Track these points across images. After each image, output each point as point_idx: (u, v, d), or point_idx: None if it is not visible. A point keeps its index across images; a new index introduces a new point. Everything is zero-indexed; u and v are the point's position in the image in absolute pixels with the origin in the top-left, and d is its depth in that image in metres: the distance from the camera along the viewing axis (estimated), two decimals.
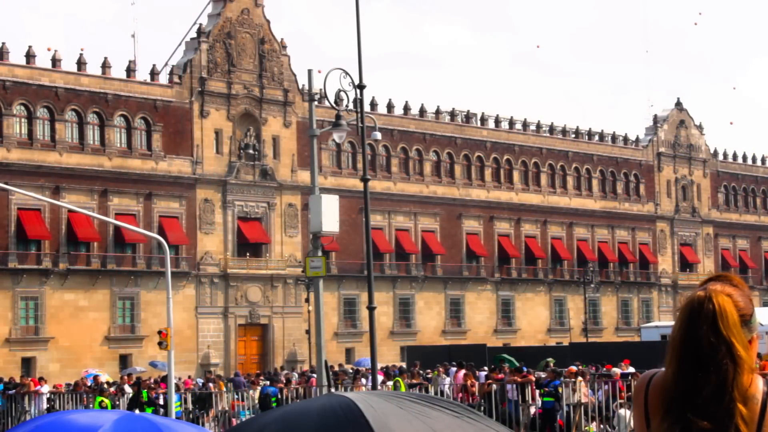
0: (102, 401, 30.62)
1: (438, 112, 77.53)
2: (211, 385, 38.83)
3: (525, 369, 28.85)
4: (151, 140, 62.78)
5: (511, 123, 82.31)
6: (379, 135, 25.89)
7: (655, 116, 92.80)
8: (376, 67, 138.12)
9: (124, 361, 59.50)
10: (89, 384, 38.50)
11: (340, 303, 69.54)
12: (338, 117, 23.52)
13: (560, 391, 25.49)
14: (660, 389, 3.09)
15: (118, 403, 32.27)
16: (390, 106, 74.52)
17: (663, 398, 3.05)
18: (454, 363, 38.62)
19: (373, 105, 71.98)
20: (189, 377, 49.33)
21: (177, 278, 59.17)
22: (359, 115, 23.17)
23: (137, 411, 24.82)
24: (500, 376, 28.42)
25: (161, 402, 31.92)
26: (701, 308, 3.06)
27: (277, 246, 66.78)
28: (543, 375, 27.51)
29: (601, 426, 25.62)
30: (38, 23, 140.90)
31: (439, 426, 3.52)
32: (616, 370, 29.40)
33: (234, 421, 31.49)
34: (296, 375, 42.73)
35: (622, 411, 24.29)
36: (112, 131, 61.47)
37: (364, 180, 23.36)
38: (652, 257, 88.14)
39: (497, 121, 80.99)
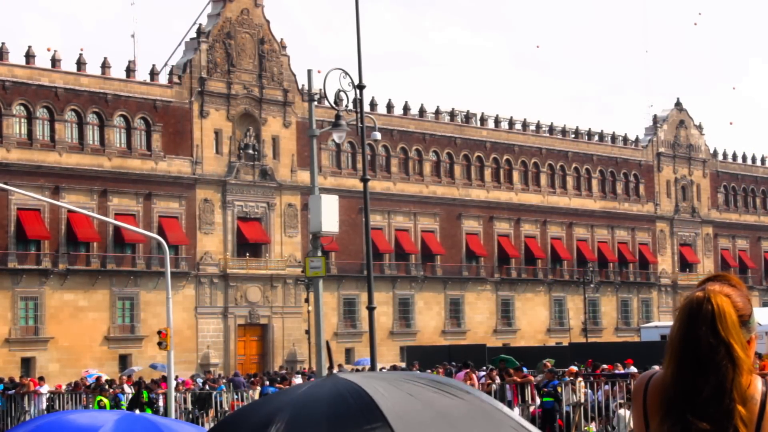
0: (100, 400, 30.65)
1: (438, 112, 77.52)
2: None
3: (525, 370, 28.82)
4: (150, 140, 62.78)
5: (511, 123, 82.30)
6: (378, 135, 25.90)
7: (655, 116, 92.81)
8: (375, 67, 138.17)
9: (124, 361, 59.49)
10: (89, 384, 38.49)
11: (340, 303, 69.53)
12: (338, 117, 23.53)
13: (559, 391, 25.50)
14: (659, 390, 3.09)
15: (116, 403, 32.24)
16: (390, 106, 74.51)
17: (662, 399, 3.05)
18: (454, 363, 38.64)
19: (373, 105, 71.98)
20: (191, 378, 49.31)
21: (177, 278, 59.16)
22: (359, 115, 23.18)
23: (137, 411, 24.83)
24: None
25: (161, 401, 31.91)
26: (700, 309, 3.06)
27: (277, 246, 66.78)
28: (539, 377, 27.42)
29: (601, 426, 25.63)
30: (38, 23, 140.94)
31: (453, 418, 3.45)
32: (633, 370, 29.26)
33: None
34: (299, 377, 42.70)
35: (621, 411, 24.29)
36: (112, 131, 61.47)
37: (364, 180, 23.37)
38: (651, 257, 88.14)
39: (497, 121, 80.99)
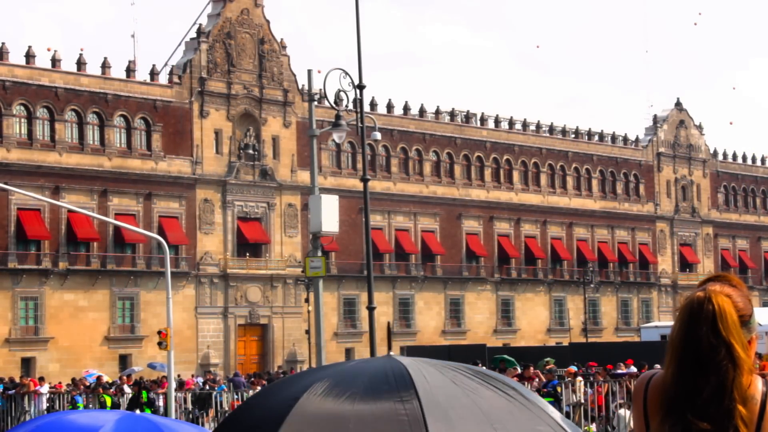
0: (101, 397, 30.66)
1: (438, 112, 77.52)
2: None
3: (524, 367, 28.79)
4: (150, 140, 62.79)
5: (511, 123, 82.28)
6: (378, 135, 25.90)
7: (655, 116, 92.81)
8: (375, 67, 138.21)
9: (124, 361, 59.48)
10: (88, 384, 38.51)
11: (340, 303, 69.53)
12: (338, 117, 23.54)
13: (559, 390, 25.51)
14: (659, 390, 3.09)
15: (118, 402, 32.26)
16: (390, 106, 74.50)
17: (663, 399, 3.05)
18: None
19: (373, 105, 71.96)
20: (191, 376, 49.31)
21: (177, 278, 59.14)
22: (359, 115, 23.19)
23: (137, 411, 24.82)
24: None
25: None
26: (701, 309, 3.06)
27: (277, 246, 66.78)
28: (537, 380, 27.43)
29: (601, 426, 25.63)
30: (38, 23, 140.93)
31: (490, 408, 3.54)
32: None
33: None
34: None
35: (621, 411, 24.30)
36: (112, 131, 61.47)
37: (364, 180, 23.37)
38: (651, 257, 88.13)
39: (497, 121, 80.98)
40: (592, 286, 76.22)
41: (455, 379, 3.62)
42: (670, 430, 2.99)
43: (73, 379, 42.66)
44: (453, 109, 79.03)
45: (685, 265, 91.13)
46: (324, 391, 3.59)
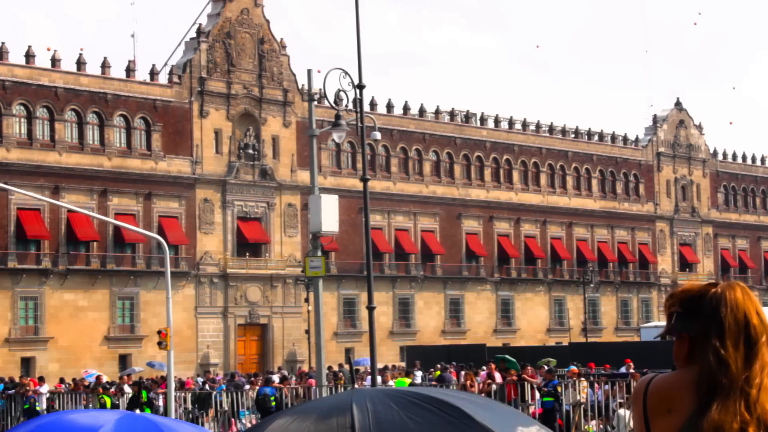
0: (101, 398, 30.65)
1: (437, 112, 77.52)
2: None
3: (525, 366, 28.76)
4: (150, 140, 62.80)
5: (511, 123, 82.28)
6: (378, 135, 25.89)
7: (655, 116, 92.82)
8: (375, 67, 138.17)
9: (124, 361, 59.50)
10: (88, 384, 38.48)
11: (340, 303, 69.54)
12: (338, 117, 23.55)
13: (559, 390, 25.51)
14: (705, 372, 3.24)
15: (117, 402, 32.24)
16: (389, 106, 74.50)
17: (705, 380, 3.20)
18: (454, 363, 38.67)
19: (373, 105, 71.96)
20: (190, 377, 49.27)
21: (176, 278, 59.14)
22: (359, 115, 23.18)
23: (137, 411, 24.81)
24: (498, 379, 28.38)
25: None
26: (748, 299, 3.29)
27: (277, 246, 66.79)
28: (539, 378, 27.42)
29: (601, 426, 25.65)
30: (37, 23, 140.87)
31: (422, 422, 4.07)
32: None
33: (234, 421, 31.59)
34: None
35: (621, 411, 24.31)
36: (112, 131, 61.48)
37: (364, 180, 23.36)
38: (651, 257, 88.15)
39: (497, 121, 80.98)
40: (591, 285, 76.23)
41: (405, 409, 4.32)
42: (719, 405, 3.14)
43: (73, 379, 42.58)
44: (453, 108, 79.04)
45: (685, 264, 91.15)
46: (286, 423, 4.41)
